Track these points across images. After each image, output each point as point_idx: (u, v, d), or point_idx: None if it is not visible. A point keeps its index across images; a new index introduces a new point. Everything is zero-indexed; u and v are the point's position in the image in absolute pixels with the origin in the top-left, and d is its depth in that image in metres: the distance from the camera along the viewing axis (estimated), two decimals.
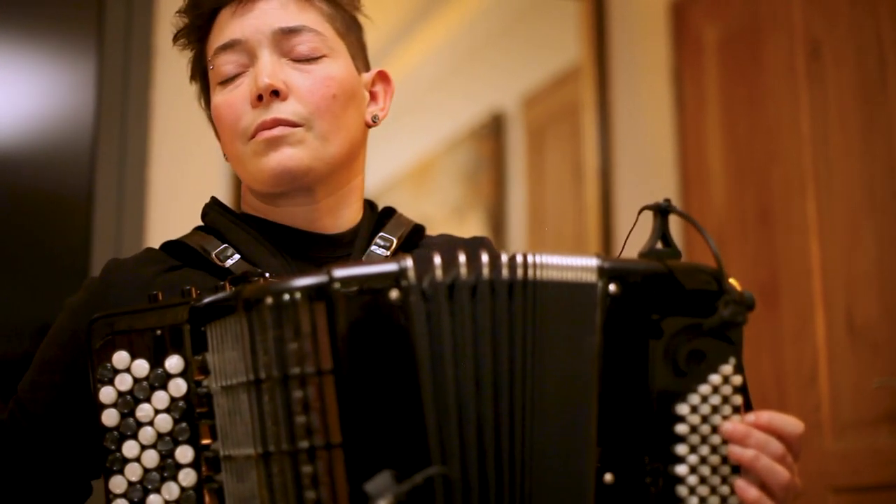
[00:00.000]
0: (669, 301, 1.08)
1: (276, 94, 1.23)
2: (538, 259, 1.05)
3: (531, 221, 3.47)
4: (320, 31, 1.26)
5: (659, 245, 1.13)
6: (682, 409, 1.07)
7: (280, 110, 1.23)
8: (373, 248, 1.29)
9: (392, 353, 0.99)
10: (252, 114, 1.24)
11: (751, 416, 1.08)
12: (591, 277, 1.06)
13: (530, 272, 1.04)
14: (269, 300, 0.98)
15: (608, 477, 1.05)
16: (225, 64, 1.26)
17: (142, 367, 1.08)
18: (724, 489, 1.07)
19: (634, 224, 1.15)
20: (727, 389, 1.08)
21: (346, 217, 1.32)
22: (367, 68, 1.35)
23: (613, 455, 1.05)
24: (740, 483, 1.07)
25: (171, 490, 1.06)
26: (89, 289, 1.28)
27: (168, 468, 1.07)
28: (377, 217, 1.36)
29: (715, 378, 1.08)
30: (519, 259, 1.05)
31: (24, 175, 2.47)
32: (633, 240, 1.16)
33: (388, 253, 1.28)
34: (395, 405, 0.99)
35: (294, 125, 1.23)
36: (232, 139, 1.27)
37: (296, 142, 1.23)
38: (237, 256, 1.25)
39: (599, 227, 3.02)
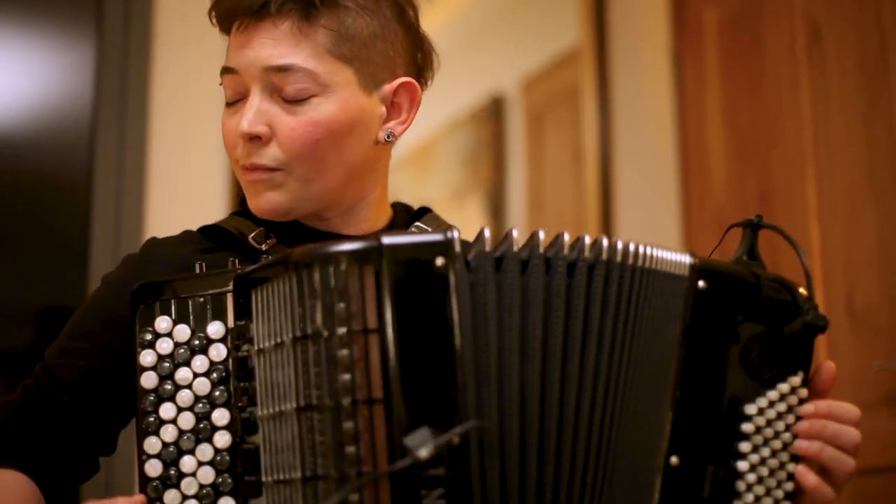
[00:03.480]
0: (751, 306, 1.14)
1: (258, 137, 1.24)
2: (641, 250, 1.10)
3: (531, 204, 3.47)
4: (311, 69, 1.23)
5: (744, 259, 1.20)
6: (751, 409, 1.13)
7: (259, 155, 1.24)
8: None
9: (434, 317, 1.02)
10: (241, 147, 1.26)
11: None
12: (683, 271, 1.12)
13: (618, 258, 1.10)
14: (318, 263, 1.01)
15: (674, 459, 1.10)
16: (227, 88, 1.28)
17: (183, 332, 1.11)
18: (779, 493, 1.13)
19: (721, 240, 1.21)
20: (793, 399, 1.14)
21: (365, 225, 1.33)
22: (399, 75, 1.31)
23: (682, 439, 1.10)
24: (801, 469, 1.12)
25: (204, 452, 1.08)
26: (128, 264, 1.30)
27: (203, 430, 1.08)
28: (413, 214, 1.39)
29: (783, 387, 1.14)
30: (620, 246, 1.10)
31: (23, 159, 2.46)
32: (632, 235, 1.19)
33: None
34: (436, 367, 1.02)
35: (272, 170, 1.25)
36: (231, 161, 1.30)
37: (275, 186, 1.25)
38: (273, 240, 1.27)
39: (599, 210, 3.02)
